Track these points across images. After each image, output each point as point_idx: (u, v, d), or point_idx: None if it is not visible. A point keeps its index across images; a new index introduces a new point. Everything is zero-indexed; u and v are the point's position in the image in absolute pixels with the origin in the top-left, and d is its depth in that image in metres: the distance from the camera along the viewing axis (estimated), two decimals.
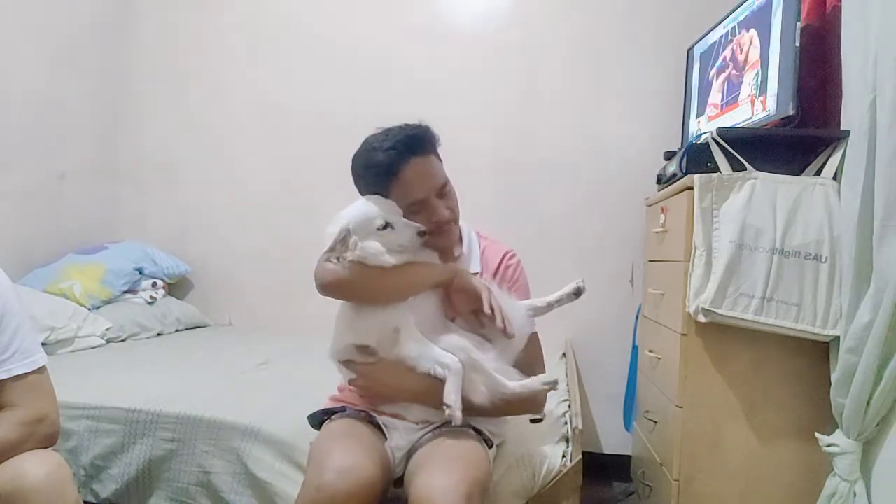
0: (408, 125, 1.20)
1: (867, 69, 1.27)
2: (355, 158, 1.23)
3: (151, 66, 2.93)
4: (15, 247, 2.43)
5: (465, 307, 1.19)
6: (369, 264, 1.13)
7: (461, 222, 1.33)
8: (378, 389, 1.18)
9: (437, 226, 1.20)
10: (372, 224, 1.13)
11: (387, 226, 1.14)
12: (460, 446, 1.08)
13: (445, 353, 1.11)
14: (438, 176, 1.21)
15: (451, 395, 1.06)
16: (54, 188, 2.60)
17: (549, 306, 1.26)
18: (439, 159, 1.24)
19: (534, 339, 1.28)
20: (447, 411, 1.06)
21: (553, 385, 1.15)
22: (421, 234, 1.15)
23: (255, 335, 2.54)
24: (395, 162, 1.16)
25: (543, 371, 1.30)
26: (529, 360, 1.24)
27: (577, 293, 1.25)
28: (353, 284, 1.15)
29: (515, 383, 1.14)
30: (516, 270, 1.34)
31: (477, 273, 1.28)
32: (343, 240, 1.12)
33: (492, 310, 1.14)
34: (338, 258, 1.14)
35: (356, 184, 1.25)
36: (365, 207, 1.15)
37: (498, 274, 1.31)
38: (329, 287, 1.17)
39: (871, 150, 1.27)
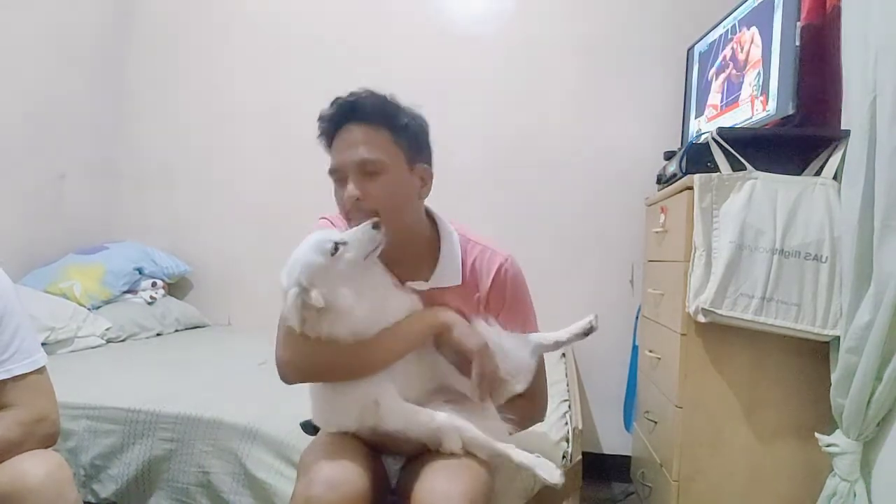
0: (368, 90, 1.07)
1: (867, 69, 1.27)
2: None
3: (151, 67, 2.93)
4: (15, 247, 2.42)
5: (453, 358, 1.10)
6: (343, 333, 0.99)
7: (439, 220, 1.18)
8: (383, 445, 1.11)
9: (350, 207, 1.04)
10: (321, 256, 0.98)
11: (337, 246, 0.98)
12: (462, 452, 1.04)
13: (432, 415, 1.02)
14: (366, 151, 1.03)
15: (452, 446, 1.01)
16: (54, 188, 2.60)
17: (557, 345, 1.15)
18: (397, 139, 1.06)
19: (538, 369, 1.17)
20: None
21: (554, 480, 1.04)
22: (375, 225, 1.00)
23: (255, 335, 2.53)
24: (331, 124, 1.08)
25: (545, 396, 1.23)
26: (533, 387, 1.16)
27: (588, 332, 1.14)
28: (327, 367, 1.04)
29: (515, 452, 1.05)
30: (513, 285, 1.17)
31: (458, 285, 1.13)
32: (303, 304, 0.96)
33: (482, 378, 1.04)
34: (315, 334, 0.99)
35: None
36: (306, 247, 1.00)
37: (493, 291, 1.15)
38: (299, 373, 1.06)
39: (871, 150, 1.26)
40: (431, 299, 1.13)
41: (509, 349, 1.10)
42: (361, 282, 1.02)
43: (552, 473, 1.02)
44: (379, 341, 1.03)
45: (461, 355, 1.06)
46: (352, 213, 1.06)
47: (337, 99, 1.08)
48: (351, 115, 1.06)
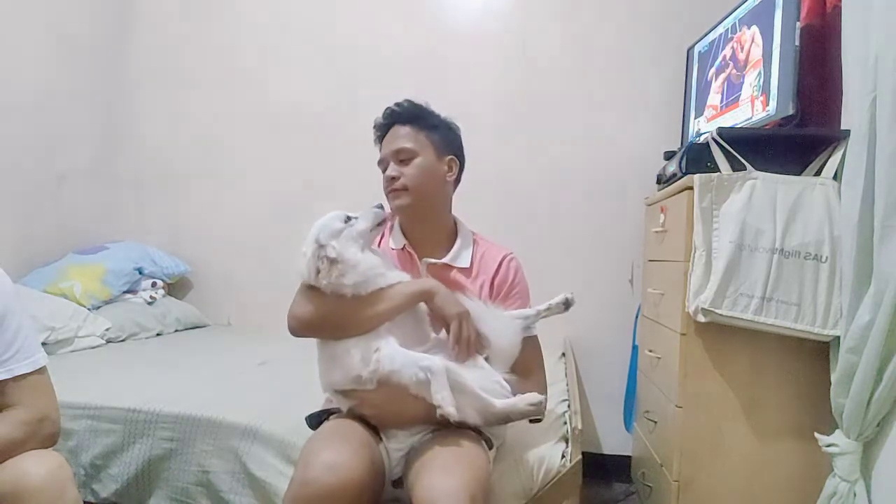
0: (403, 101, 1.36)
1: (867, 69, 1.27)
2: None
3: (151, 67, 2.93)
4: (15, 247, 2.43)
5: (441, 327, 1.21)
6: (347, 284, 1.15)
7: (459, 220, 1.40)
8: (382, 415, 1.17)
9: (385, 184, 1.32)
10: (337, 222, 1.19)
11: (349, 218, 1.21)
12: (461, 447, 1.08)
13: (425, 356, 1.11)
14: (401, 142, 1.30)
15: (438, 395, 1.06)
16: (54, 189, 2.60)
17: (538, 314, 1.26)
18: (429, 134, 1.32)
19: (531, 344, 1.27)
20: (439, 411, 1.05)
21: (538, 406, 1.14)
22: (379, 206, 1.24)
23: (254, 335, 2.54)
24: (382, 128, 1.36)
25: (543, 374, 1.30)
26: (527, 366, 1.25)
27: (567, 305, 1.25)
28: (330, 320, 1.17)
29: (502, 402, 1.13)
30: (516, 275, 1.34)
31: (467, 268, 1.32)
32: (322, 257, 1.15)
33: (459, 338, 1.15)
34: (326, 281, 1.15)
35: None
36: (325, 217, 1.21)
37: (497, 277, 1.32)
38: (305, 326, 1.20)
39: (871, 150, 1.26)
40: (442, 274, 1.30)
41: (493, 317, 1.22)
42: (364, 247, 1.21)
43: (534, 397, 1.14)
44: (372, 301, 1.17)
45: (443, 320, 1.17)
46: (389, 190, 1.31)
47: (386, 108, 1.36)
48: (392, 119, 1.35)
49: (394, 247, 1.36)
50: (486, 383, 1.14)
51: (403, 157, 1.30)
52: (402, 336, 1.17)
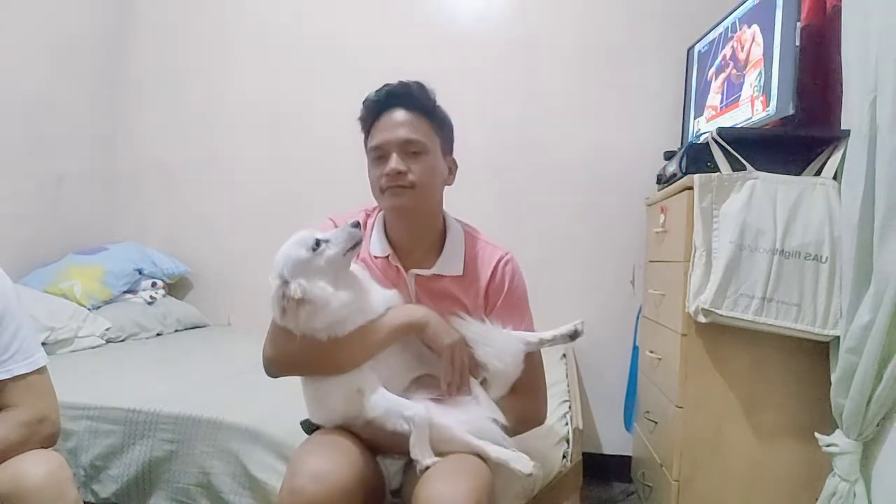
0: (411, 81, 1.17)
1: (867, 69, 1.27)
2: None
3: (150, 68, 2.93)
4: (15, 247, 2.42)
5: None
6: (319, 327, 1.04)
7: (448, 217, 1.27)
8: (376, 443, 1.10)
9: (387, 179, 1.12)
10: (302, 250, 1.05)
11: (319, 243, 1.06)
12: (463, 456, 1.03)
13: (409, 405, 1.03)
14: (411, 132, 1.13)
15: (416, 449, 1.00)
16: (54, 189, 2.60)
17: (541, 342, 1.17)
18: (436, 129, 1.17)
19: (531, 361, 1.18)
20: (417, 466, 1.00)
21: (529, 477, 1.04)
22: (355, 225, 1.08)
23: (254, 335, 2.51)
24: (379, 105, 1.16)
25: (543, 392, 1.24)
26: (527, 383, 1.17)
27: (574, 336, 1.16)
28: (305, 362, 1.09)
29: (496, 452, 1.04)
30: (512, 280, 1.22)
31: (458, 276, 1.19)
32: (284, 295, 1.02)
33: (451, 375, 1.07)
34: (293, 324, 1.04)
35: None
36: (290, 242, 1.08)
37: (492, 284, 1.20)
38: (280, 367, 1.11)
39: (871, 150, 1.26)
40: (433, 285, 1.19)
41: (494, 339, 1.13)
42: (340, 277, 1.07)
43: (526, 465, 1.02)
44: (354, 338, 1.07)
45: (435, 352, 1.09)
46: (390, 186, 1.13)
47: (386, 85, 1.17)
48: (398, 100, 1.15)
49: (377, 254, 1.21)
50: (481, 423, 1.06)
51: (414, 150, 1.13)
52: (386, 369, 1.09)
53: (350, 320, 1.07)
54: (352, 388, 1.06)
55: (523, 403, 1.17)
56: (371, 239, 1.24)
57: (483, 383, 1.14)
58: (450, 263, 1.20)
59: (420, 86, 1.17)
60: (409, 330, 1.10)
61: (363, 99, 1.18)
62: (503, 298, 1.20)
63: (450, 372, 1.07)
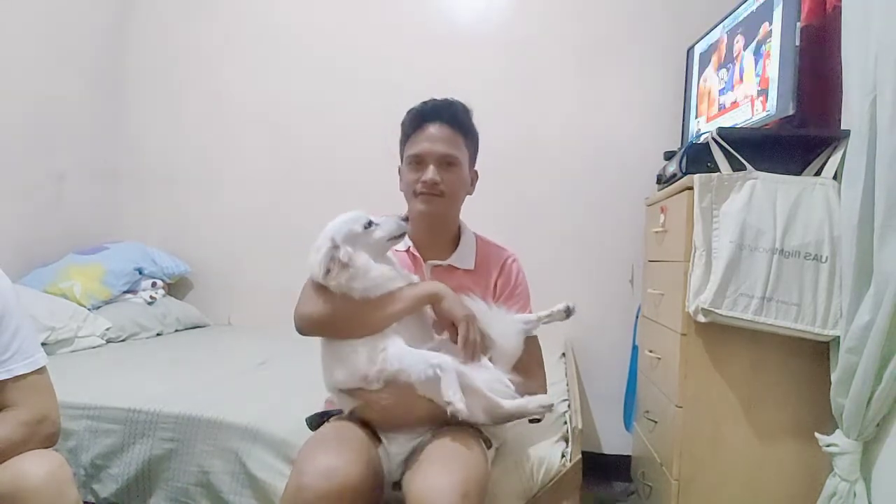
0: (455, 100, 1.31)
1: (867, 69, 1.27)
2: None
3: (151, 68, 2.93)
4: (15, 247, 2.43)
5: (447, 330, 1.20)
6: (357, 288, 1.14)
7: (462, 222, 1.40)
8: (387, 417, 1.15)
9: (422, 186, 1.26)
10: (357, 226, 1.17)
11: (370, 224, 1.19)
12: (459, 446, 1.07)
13: (435, 354, 1.11)
14: (448, 147, 1.27)
15: (450, 391, 1.05)
16: (54, 188, 2.60)
17: (539, 320, 1.27)
18: (468, 144, 1.31)
19: (532, 344, 1.29)
20: (449, 408, 1.04)
21: (548, 408, 1.15)
22: (405, 219, 1.21)
23: (255, 335, 2.54)
24: (423, 117, 1.28)
25: (543, 372, 1.32)
26: (528, 365, 1.26)
27: (568, 313, 1.26)
28: (338, 320, 1.16)
29: (511, 403, 1.13)
30: (517, 277, 1.36)
31: (471, 270, 1.33)
32: (333, 258, 1.14)
33: (467, 341, 1.14)
34: (335, 283, 1.14)
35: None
36: (345, 217, 1.19)
37: (500, 279, 1.34)
38: (313, 324, 1.19)
39: (871, 150, 1.26)
40: (447, 277, 1.30)
41: (498, 320, 1.23)
42: (379, 255, 1.21)
43: (545, 400, 1.14)
44: (380, 303, 1.16)
45: (450, 323, 1.17)
46: (423, 192, 1.27)
47: (433, 99, 1.31)
48: (440, 116, 1.28)
49: (398, 249, 1.33)
50: (494, 384, 1.14)
51: (448, 162, 1.27)
52: (408, 336, 1.16)
53: (382, 287, 1.17)
54: (376, 348, 1.13)
55: (526, 384, 1.21)
56: None
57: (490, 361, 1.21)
58: (463, 259, 1.34)
59: (462, 105, 1.31)
60: (429, 300, 1.19)
61: (408, 113, 1.31)
62: (509, 291, 1.33)
63: (465, 340, 1.14)
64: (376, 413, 1.15)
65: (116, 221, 2.90)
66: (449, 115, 1.28)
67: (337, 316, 1.16)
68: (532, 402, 1.14)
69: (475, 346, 1.15)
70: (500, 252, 1.38)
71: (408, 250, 1.34)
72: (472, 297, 1.24)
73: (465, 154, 1.30)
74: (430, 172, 1.26)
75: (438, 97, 1.31)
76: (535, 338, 1.30)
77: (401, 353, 1.12)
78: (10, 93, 2.36)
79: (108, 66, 2.85)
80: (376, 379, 1.12)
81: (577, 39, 2.55)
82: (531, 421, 1.24)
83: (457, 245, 1.36)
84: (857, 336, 1.26)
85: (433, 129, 1.27)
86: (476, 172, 1.38)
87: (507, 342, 1.22)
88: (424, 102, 1.31)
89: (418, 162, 1.27)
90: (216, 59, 2.88)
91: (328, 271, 1.14)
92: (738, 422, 1.51)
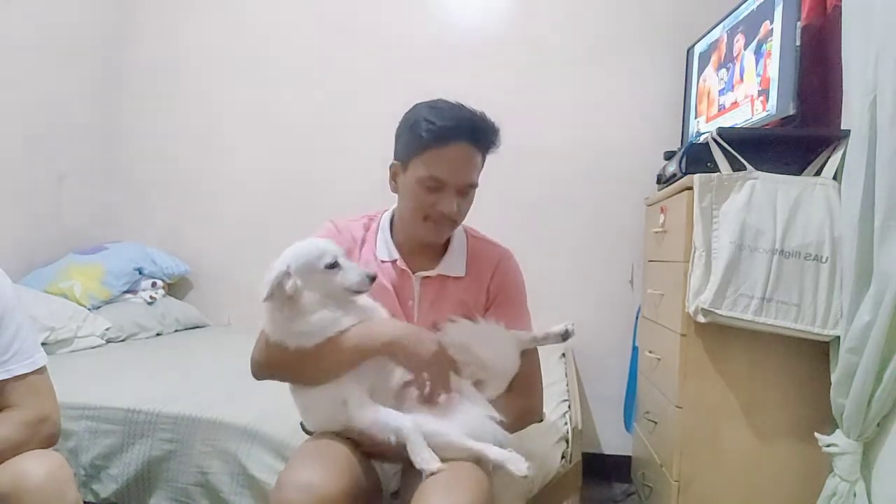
0: (484, 116, 1.16)
1: (868, 69, 1.27)
2: (414, 107, 1.16)
3: (150, 68, 2.93)
4: (15, 247, 2.42)
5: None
6: (294, 331, 1.05)
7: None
8: (375, 453, 1.09)
9: (438, 216, 1.13)
10: (319, 262, 1.05)
11: (335, 265, 1.06)
12: (462, 465, 1.01)
13: (396, 416, 1.02)
14: (472, 174, 1.15)
15: (418, 458, 0.98)
16: (54, 189, 2.60)
17: (534, 340, 1.19)
18: (482, 163, 1.18)
19: (529, 359, 1.19)
20: (425, 473, 0.97)
21: (526, 477, 1.01)
22: (372, 278, 1.07)
23: (254, 335, 2.52)
24: (450, 134, 1.09)
25: (539, 390, 1.24)
26: (525, 380, 1.18)
27: (565, 336, 1.18)
28: (284, 368, 1.10)
29: (495, 452, 1.00)
30: (512, 276, 1.26)
31: (460, 277, 1.22)
32: (280, 285, 1.03)
33: (430, 397, 1.05)
34: (277, 313, 1.06)
35: (397, 135, 1.18)
36: (315, 243, 1.09)
37: (493, 283, 1.23)
38: (262, 369, 1.13)
39: (871, 150, 1.26)
40: (437, 286, 1.21)
41: (489, 339, 1.15)
42: (333, 299, 1.08)
43: (521, 467, 0.99)
44: (323, 355, 1.07)
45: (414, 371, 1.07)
46: (439, 220, 1.15)
47: (460, 110, 1.13)
48: (470, 136, 1.11)
49: (384, 259, 1.22)
50: (475, 425, 1.04)
51: (467, 192, 1.16)
52: (375, 375, 1.07)
53: (319, 335, 1.07)
54: (336, 400, 1.06)
55: (521, 401, 1.17)
56: (377, 243, 1.24)
57: (477, 384, 1.13)
58: (453, 264, 1.23)
59: (493, 126, 1.16)
60: (383, 351, 1.07)
61: (424, 117, 1.11)
62: (503, 294, 1.23)
63: (425, 396, 1.05)
64: (365, 445, 1.08)
65: (116, 221, 2.89)
66: (483, 137, 1.13)
67: (283, 365, 1.09)
68: (512, 462, 0.99)
69: (443, 387, 1.05)
70: (493, 250, 1.27)
71: (394, 262, 1.22)
72: (456, 319, 1.17)
73: (479, 176, 1.18)
74: (450, 205, 1.12)
75: (455, 102, 1.15)
76: (532, 351, 1.21)
77: (363, 413, 1.03)
78: (11, 93, 2.36)
79: (108, 67, 2.85)
80: (346, 429, 1.06)
81: (577, 39, 2.55)
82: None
83: (446, 248, 1.24)
84: (857, 336, 1.26)
85: (460, 151, 1.11)
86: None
87: (502, 361, 1.14)
88: (449, 109, 1.12)
89: (437, 186, 1.12)
90: (216, 60, 2.88)
91: (271, 295, 1.04)
92: (738, 422, 1.51)
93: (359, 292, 1.09)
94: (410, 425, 1.00)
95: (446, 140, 1.09)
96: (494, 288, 1.23)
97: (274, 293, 1.03)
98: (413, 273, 1.21)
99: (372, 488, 1.08)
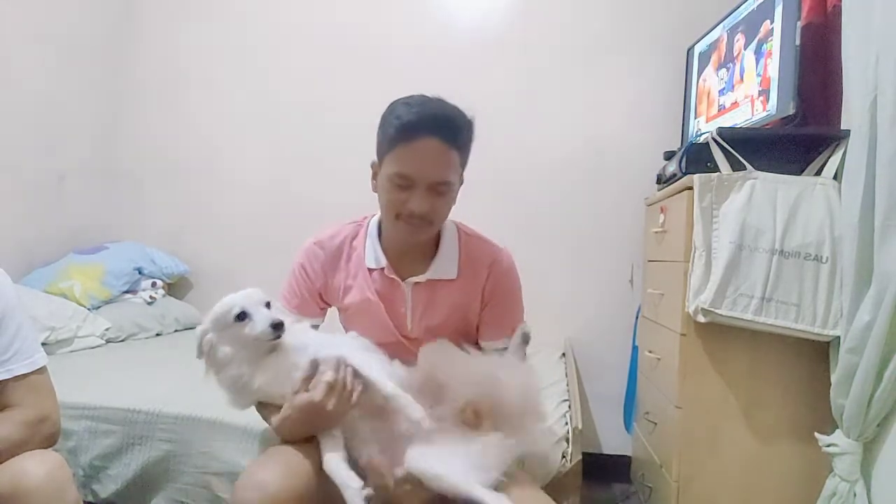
0: (457, 109, 1.09)
1: (868, 68, 1.27)
2: (391, 103, 1.12)
3: (151, 67, 2.93)
4: (15, 247, 2.42)
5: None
6: (222, 383, 1.09)
7: (447, 221, 1.22)
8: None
9: (409, 215, 1.08)
10: (228, 315, 1.06)
11: (243, 316, 1.06)
12: None
13: (349, 481, 0.98)
14: (442, 170, 1.07)
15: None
16: (54, 188, 2.60)
17: (500, 352, 1.19)
18: (461, 160, 1.11)
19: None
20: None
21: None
22: (275, 326, 1.05)
23: None
24: (416, 128, 1.04)
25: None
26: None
27: (525, 339, 1.18)
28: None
29: (475, 491, 0.93)
30: (506, 275, 1.21)
31: (452, 280, 1.18)
32: (201, 343, 1.09)
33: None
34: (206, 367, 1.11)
35: (377, 133, 1.14)
36: (229, 300, 1.08)
37: (487, 286, 1.19)
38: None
39: (871, 150, 1.26)
40: (429, 292, 1.18)
41: (472, 371, 1.08)
42: (245, 348, 1.08)
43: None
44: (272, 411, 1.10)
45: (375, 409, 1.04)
46: (410, 219, 1.09)
47: (426, 100, 1.08)
48: (438, 130, 1.05)
49: (372, 266, 1.19)
50: (467, 461, 0.97)
51: (440, 190, 1.08)
52: (361, 430, 1.05)
53: (245, 391, 1.09)
54: (319, 456, 1.05)
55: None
56: (366, 250, 1.21)
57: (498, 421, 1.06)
58: (444, 267, 1.18)
59: (464, 118, 1.09)
60: (308, 412, 1.04)
61: (394, 113, 1.07)
62: (498, 296, 1.20)
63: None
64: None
65: (116, 221, 2.89)
66: (448, 131, 1.06)
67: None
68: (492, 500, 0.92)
69: (348, 402, 1.02)
70: (488, 249, 1.21)
71: (382, 270, 1.18)
72: (442, 341, 1.13)
73: (457, 173, 1.11)
74: (420, 203, 1.07)
75: (432, 97, 1.10)
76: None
77: (324, 456, 1.02)
78: (11, 93, 2.36)
79: (108, 66, 2.85)
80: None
81: (577, 40, 2.55)
82: None
83: (436, 249, 1.19)
84: (857, 336, 1.26)
85: (427, 146, 1.05)
86: (463, 176, 1.17)
87: (507, 395, 1.05)
88: (418, 103, 1.07)
89: (405, 185, 1.07)
90: (216, 60, 2.88)
91: (200, 353, 1.09)
92: (738, 422, 1.51)
93: (268, 342, 1.07)
94: (355, 487, 0.96)
95: (412, 135, 1.05)
96: (489, 289, 1.19)
97: (203, 350, 1.08)
98: (403, 280, 1.18)
99: (331, 495, 1.04)
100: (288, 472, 0.99)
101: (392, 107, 1.10)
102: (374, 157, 1.16)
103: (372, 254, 1.20)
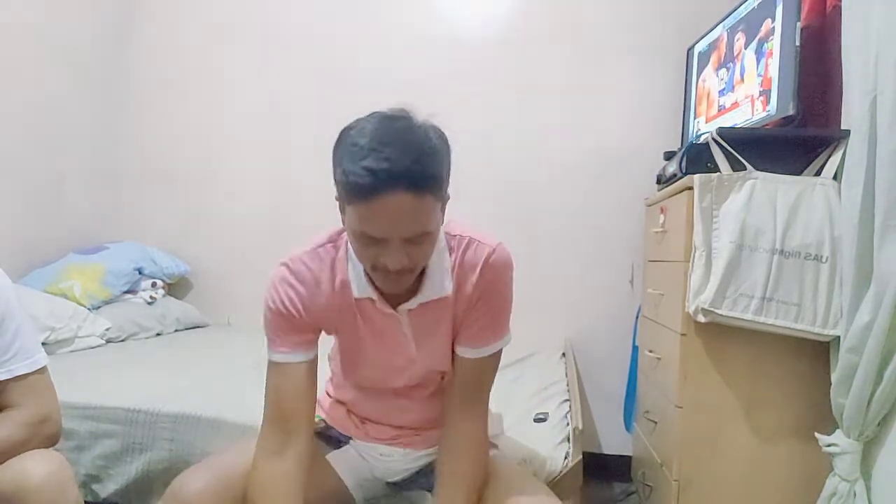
0: (422, 136, 0.87)
1: (868, 68, 1.27)
2: (342, 133, 0.94)
3: (151, 68, 2.93)
4: (15, 247, 2.42)
5: None
6: None
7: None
8: None
9: (385, 268, 0.92)
10: None
11: None
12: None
13: None
14: (416, 224, 0.88)
15: None
16: (54, 189, 2.60)
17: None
18: (440, 195, 0.91)
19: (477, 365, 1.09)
20: None
21: None
22: None
23: (254, 335, 2.52)
24: (373, 188, 0.82)
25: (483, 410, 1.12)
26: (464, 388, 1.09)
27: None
28: None
29: None
30: (496, 274, 1.05)
31: (447, 296, 1.03)
32: None
33: None
34: None
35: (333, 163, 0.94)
36: None
37: (476, 284, 1.04)
38: None
39: (871, 150, 1.26)
40: (423, 315, 1.05)
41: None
42: None
43: None
44: None
45: None
46: (387, 274, 0.93)
47: (379, 142, 0.84)
48: (400, 180, 0.83)
49: (359, 296, 1.03)
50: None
51: (420, 241, 0.90)
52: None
53: None
54: None
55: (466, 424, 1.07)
56: (349, 277, 1.03)
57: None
58: (435, 286, 1.03)
59: (431, 143, 0.87)
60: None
61: (343, 160, 0.87)
62: (484, 293, 1.05)
63: None
64: None
65: (116, 221, 2.89)
66: (415, 177, 0.83)
67: None
68: None
69: None
70: (479, 249, 1.05)
71: (373, 302, 1.03)
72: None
73: (436, 213, 0.91)
74: (396, 260, 0.89)
75: (391, 118, 0.90)
76: (484, 359, 1.08)
77: None
78: (11, 93, 2.36)
79: (108, 66, 2.85)
80: None
81: (577, 39, 2.55)
82: (536, 420, 1.24)
83: (424, 270, 1.01)
84: (857, 336, 1.27)
85: (392, 203, 0.83)
86: (446, 199, 0.97)
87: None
88: (368, 147, 0.84)
89: (372, 244, 0.90)
90: (216, 60, 2.88)
91: None
92: (738, 422, 1.51)
93: None
94: None
95: (370, 195, 0.83)
96: (478, 290, 1.04)
97: None
98: (395, 308, 1.03)
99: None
100: (220, 480, 1.00)
101: (343, 143, 0.90)
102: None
103: (356, 281, 1.03)
